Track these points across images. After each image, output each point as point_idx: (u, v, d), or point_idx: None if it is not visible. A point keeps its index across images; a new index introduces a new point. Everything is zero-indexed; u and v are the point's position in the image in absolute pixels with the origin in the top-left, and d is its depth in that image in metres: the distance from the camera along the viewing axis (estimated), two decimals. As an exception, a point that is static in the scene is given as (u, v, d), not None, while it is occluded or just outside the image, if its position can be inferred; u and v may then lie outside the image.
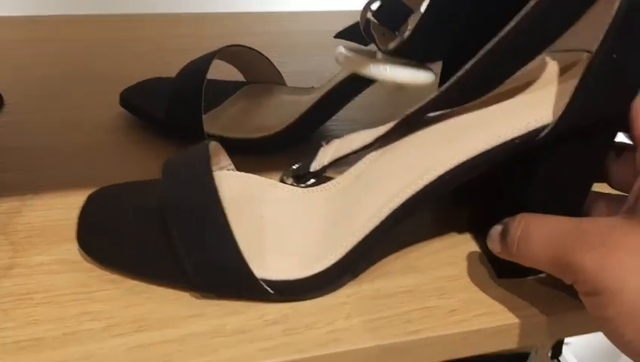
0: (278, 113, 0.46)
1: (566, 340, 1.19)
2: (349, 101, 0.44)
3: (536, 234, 0.29)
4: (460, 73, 0.29)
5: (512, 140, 0.29)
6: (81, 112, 0.48)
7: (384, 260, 0.34)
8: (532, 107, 0.30)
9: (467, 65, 0.29)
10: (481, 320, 0.31)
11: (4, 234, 0.34)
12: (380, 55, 0.37)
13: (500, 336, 0.31)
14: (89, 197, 0.34)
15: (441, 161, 0.30)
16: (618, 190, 0.32)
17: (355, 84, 0.43)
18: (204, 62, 0.43)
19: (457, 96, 0.31)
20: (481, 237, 0.35)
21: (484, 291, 0.33)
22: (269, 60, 0.48)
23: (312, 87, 0.47)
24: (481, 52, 0.28)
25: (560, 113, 0.28)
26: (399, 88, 0.40)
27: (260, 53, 0.47)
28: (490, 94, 0.31)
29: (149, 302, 0.31)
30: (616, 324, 0.25)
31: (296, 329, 0.30)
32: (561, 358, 1.17)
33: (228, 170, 0.36)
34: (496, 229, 0.31)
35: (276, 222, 0.33)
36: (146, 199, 0.33)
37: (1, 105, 0.48)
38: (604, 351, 1.21)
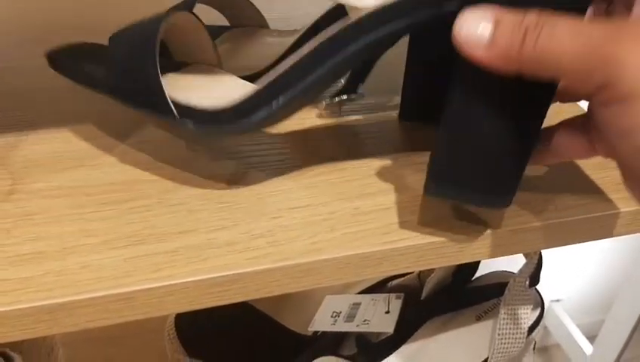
0: (261, 54, 0.47)
1: (557, 296, 1.22)
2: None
3: (564, 24, 0.23)
4: None
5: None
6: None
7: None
8: None
9: None
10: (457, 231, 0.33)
11: (2, 165, 0.36)
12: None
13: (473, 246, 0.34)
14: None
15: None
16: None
17: (334, 22, 0.44)
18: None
19: None
20: None
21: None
22: (253, 4, 0.50)
23: (296, 30, 0.48)
24: None
25: None
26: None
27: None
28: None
29: (143, 221, 0.33)
30: None
31: (280, 242, 0.32)
32: (551, 315, 1.19)
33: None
34: (478, 25, 0.24)
35: (209, 79, 0.36)
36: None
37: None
38: (595, 308, 1.24)
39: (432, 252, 0.33)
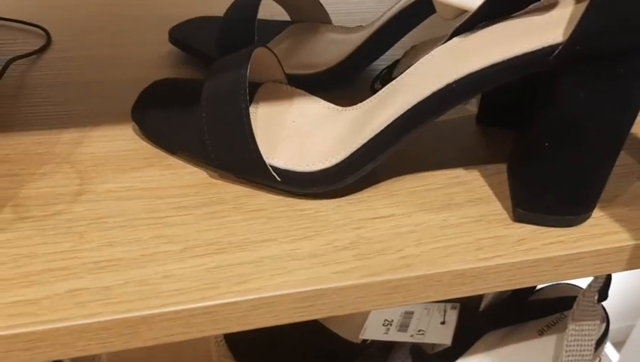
0: (326, 51, 0.45)
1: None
2: (399, 38, 0.44)
3: None
4: None
5: (524, 55, 0.29)
6: (128, 50, 0.48)
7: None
8: (550, 26, 0.29)
9: None
10: (551, 248, 0.31)
11: (69, 163, 0.34)
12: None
13: (569, 265, 0.31)
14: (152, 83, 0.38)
15: (451, 72, 0.30)
16: None
17: (406, 20, 0.42)
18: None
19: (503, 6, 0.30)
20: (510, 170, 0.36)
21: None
22: (317, -1, 0.48)
23: (360, 26, 0.46)
24: None
25: (570, 33, 0.28)
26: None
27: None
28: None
29: (221, 228, 0.31)
30: None
31: (366, 255, 0.30)
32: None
33: (280, 82, 0.37)
34: None
35: (301, 127, 0.35)
36: (195, 90, 0.35)
37: (49, 43, 0.48)
38: (623, 314, 1.21)
39: (527, 271, 0.31)
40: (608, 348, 1.12)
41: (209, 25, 0.46)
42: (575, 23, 0.27)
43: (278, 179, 0.32)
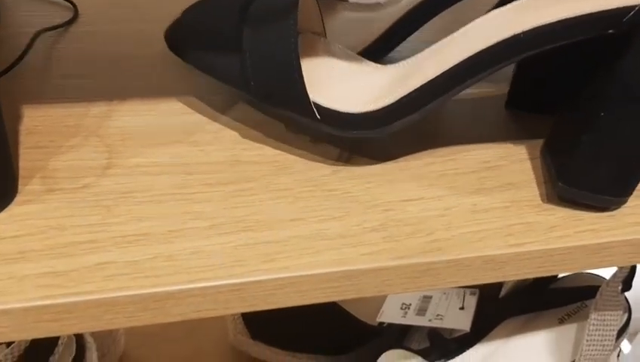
0: (344, 31, 0.44)
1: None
2: (433, 16, 0.42)
3: None
4: None
5: (598, 13, 0.28)
6: (156, 25, 0.47)
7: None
8: None
9: None
10: (583, 236, 0.31)
11: (98, 137, 0.34)
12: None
13: (601, 253, 0.31)
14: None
15: (519, 22, 0.29)
16: None
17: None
18: None
19: None
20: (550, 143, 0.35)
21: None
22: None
23: (378, 3, 0.45)
24: None
25: None
26: None
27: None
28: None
29: (249, 205, 0.31)
30: None
31: (395, 237, 0.30)
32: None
33: (319, 34, 0.36)
34: None
35: (345, 74, 0.34)
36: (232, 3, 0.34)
37: (76, 16, 0.48)
38: (635, 305, 1.20)
39: (558, 258, 0.31)
40: (621, 340, 1.11)
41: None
42: None
43: (318, 116, 0.31)
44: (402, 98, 0.31)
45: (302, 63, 0.31)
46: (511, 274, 0.31)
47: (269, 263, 0.28)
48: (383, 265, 0.29)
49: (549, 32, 0.29)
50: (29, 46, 0.41)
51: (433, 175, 0.34)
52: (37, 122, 0.35)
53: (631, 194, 0.32)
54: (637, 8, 0.27)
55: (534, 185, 0.34)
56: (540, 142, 0.36)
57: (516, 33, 0.29)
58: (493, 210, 0.32)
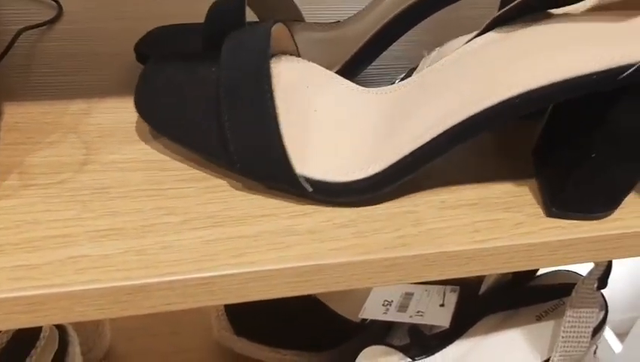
0: (309, 52, 0.39)
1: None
2: (403, 34, 0.40)
3: None
4: None
5: (590, 75, 0.27)
6: (140, 23, 0.48)
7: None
8: (622, 40, 0.27)
9: None
10: (548, 233, 0.31)
11: (76, 133, 0.35)
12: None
13: (566, 250, 0.32)
14: (149, 61, 0.35)
15: (509, 84, 0.28)
16: None
17: (415, 13, 0.39)
18: None
19: None
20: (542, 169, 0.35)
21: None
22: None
23: (338, 22, 0.43)
24: None
25: None
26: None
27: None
28: (585, 9, 0.29)
29: (222, 201, 0.31)
30: None
31: (364, 233, 0.31)
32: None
33: (291, 55, 0.35)
34: None
35: (327, 118, 0.32)
36: (203, 69, 0.33)
37: (60, 14, 0.48)
38: (626, 305, 1.21)
39: (523, 254, 0.31)
40: (612, 339, 1.12)
41: (177, 34, 0.44)
42: None
43: (310, 189, 0.30)
44: (393, 165, 0.30)
45: (281, 102, 0.30)
46: (476, 270, 0.31)
47: (238, 258, 0.28)
48: (350, 259, 0.29)
49: (539, 97, 0.28)
50: (12, 43, 0.42)
51: (405, 173, 0.35)
52: (17, 119, 0.35)
53: (620, 204, 0.33)
54: (634, 68, 0.26)
55: (502, 182, 0.34)
56: (512, 141, 0.37)
57: (512, 97, 0.28)
58: (461, 207, 0.33)
